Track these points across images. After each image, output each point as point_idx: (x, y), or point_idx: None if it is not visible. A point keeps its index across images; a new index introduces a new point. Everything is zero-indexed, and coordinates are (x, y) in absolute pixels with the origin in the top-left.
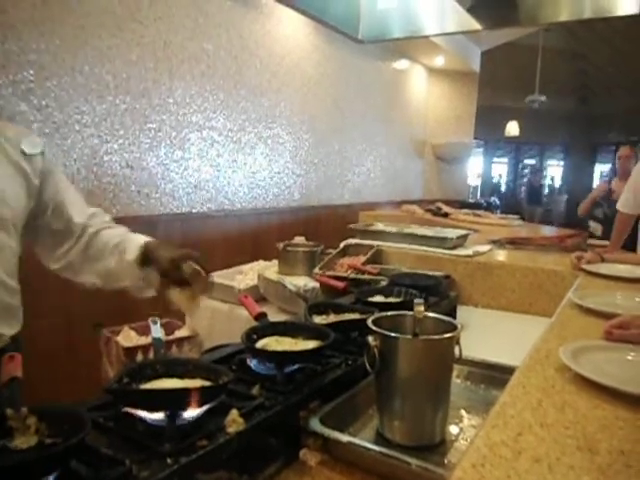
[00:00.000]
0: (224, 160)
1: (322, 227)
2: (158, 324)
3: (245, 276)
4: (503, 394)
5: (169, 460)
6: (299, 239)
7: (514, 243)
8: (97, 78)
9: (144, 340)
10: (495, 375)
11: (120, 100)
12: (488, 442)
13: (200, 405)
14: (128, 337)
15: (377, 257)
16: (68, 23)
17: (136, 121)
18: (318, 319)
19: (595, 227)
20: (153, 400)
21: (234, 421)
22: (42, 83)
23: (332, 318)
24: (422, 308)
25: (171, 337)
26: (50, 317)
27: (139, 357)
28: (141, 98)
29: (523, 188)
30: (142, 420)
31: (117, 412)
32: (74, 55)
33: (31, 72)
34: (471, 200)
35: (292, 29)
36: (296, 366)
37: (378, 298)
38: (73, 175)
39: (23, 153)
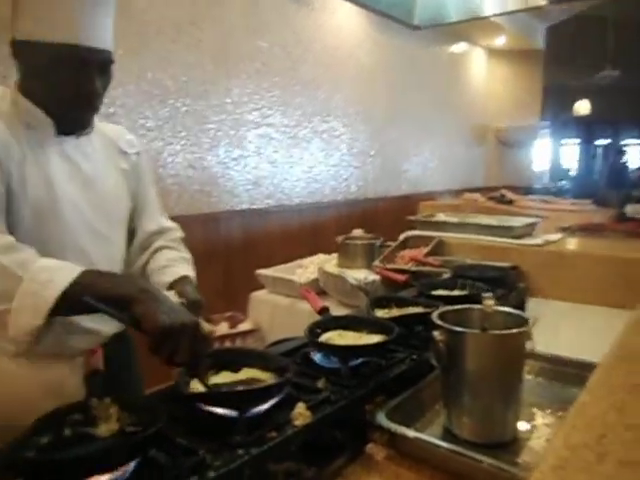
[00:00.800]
0: (281, 156)
1: (380, 219)
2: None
3: (305, 270)
4: (583, 392)
5: (240, 451)
6: (358, 232)
7: (587, 230)
8: (159, 83)
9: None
10: (570, 371)
11: (181, 103)
12: (568, 443)
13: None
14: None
15: (439, 249)
16: (130, 32)
17: (196, 122)
18: (380, 313)
19: (635, 209)
20: (223, 400)
21: (301, 414)
22: (109, 92)
23: (395, 312)
24: (492, 302)
25: (234, 330)
26: None
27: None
28: (200, 100)
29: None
30: (213, 412)
31: (191, 403)
32: (137, 62)
33: None
34: (538, 185)
35: (344, 20)
36: (360, 360)
37: (441, 291)
38: None
39: (122, 152)
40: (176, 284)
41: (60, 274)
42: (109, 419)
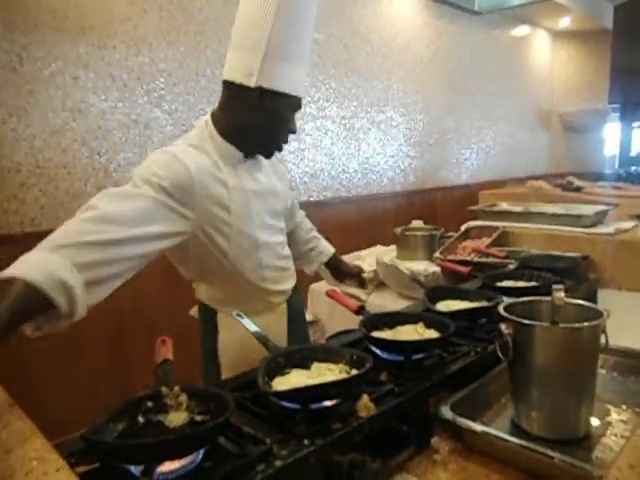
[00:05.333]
0: (338, 148)
1: (439, 210)
2: (246, 318)
3: (363, 262)
4: None
5: (306, 441)
6: (417, 223)
7: None
8: (218, 80)
9: None
10: None
11: None
12: None
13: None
14: None
15: (502, 239)
16: (190, 30)
17: None
18: (440, 305)
19: None
20: (291, 398)
21: (365, 406)
22: (171, 89)
23: (455, 304)
24: (562, 294)
25: None
26: None
27: None
28: None
29: None
30: (278, 402)
31: (256, 393)
32: (197, 60)
33: (161, 80)
34: (608, 171)
35: (401, 9)
36: (423, 354)
37: (507, 283)
38: None
39: (278, 160)
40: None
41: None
42: (179, 407)
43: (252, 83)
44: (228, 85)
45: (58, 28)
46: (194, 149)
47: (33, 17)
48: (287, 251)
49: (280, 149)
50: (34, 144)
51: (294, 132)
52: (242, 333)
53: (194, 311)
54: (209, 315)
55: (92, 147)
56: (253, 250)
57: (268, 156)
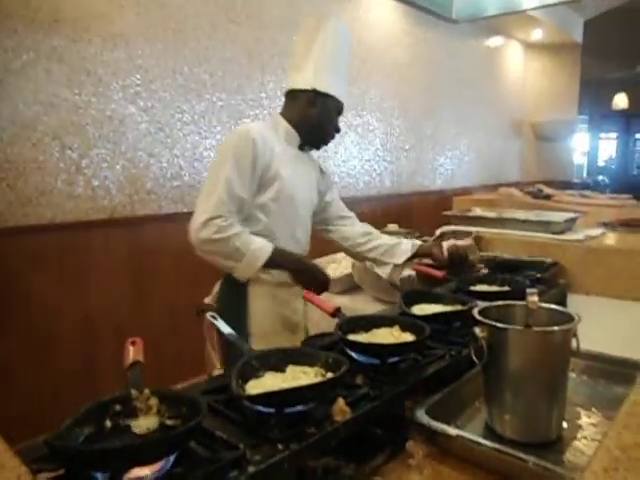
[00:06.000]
0: (314, 150)
1: (414, 214)
2: (220, 320)
3: (339, 264)
4: (633, 391)
5: (280, 446)
6: (392, 226)
7: (629, 225)
8: (195, 78)
9: None
10: (616, 370)
11: (217, 97)
12: (620, 444)
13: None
14: None
15: (476, 244)
16: (169, 28)
17: (231, 117)
18: (416, 309)
19: None
20: (265, 402)
21: (341, 410)
22: (147, 86)
23: (430, 308)
24: (536, 298)
25: None
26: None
27: None
28: (235, 94)
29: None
30: (252, 406)
31: (229, 397)
32: (174, 58)
33: (138, 76)
34: (576, 180)
35: (380, 15)
36: (398, 358)
37: (480, 287)
38: (176, 170)
39: (321, 172)
40: None
41: (263, 252)
42: (149, 411)
43: (309, 87)
44: (290, 93)
45: (31, 19)
46: (264, 127)
47: (4, 7)
48: (307, 246)
49: (326, 143)
50: (3, 137)
51: (338, 130)
52: (274, 302)
53: (209, 298)
54: (238, 286)
55: (64, 142)
56: (292, 219)
57: (318, 147)
